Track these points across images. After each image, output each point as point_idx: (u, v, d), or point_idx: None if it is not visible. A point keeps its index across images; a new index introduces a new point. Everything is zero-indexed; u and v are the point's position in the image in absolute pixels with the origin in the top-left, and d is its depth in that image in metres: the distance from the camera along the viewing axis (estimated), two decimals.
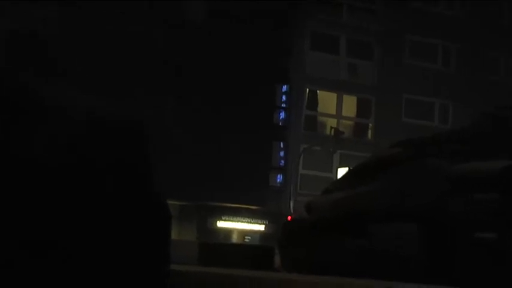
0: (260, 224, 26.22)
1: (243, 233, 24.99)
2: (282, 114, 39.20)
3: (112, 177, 1.46)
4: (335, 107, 40.83)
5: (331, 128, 39.25)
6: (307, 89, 39.58)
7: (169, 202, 1.58)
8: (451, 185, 1.72)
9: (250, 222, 26.02)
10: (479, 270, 1.90)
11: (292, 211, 28.89)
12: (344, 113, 40.60)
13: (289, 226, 1.90)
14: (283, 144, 38.81)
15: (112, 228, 1.44)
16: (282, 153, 38.88)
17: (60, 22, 1.63)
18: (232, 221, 24.99)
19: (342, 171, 30.59)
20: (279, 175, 39.04)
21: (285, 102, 39.17)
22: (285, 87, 38.78)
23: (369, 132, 40.38)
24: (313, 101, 40.02)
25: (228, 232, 23.96)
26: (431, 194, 1.75)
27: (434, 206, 1.72)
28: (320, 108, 40.30)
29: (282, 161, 38.86)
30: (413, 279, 1.57)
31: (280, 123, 39.01)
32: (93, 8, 29.48)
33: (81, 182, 1.45)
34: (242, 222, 25.60)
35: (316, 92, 39.84)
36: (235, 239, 24.35)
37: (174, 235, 1.54)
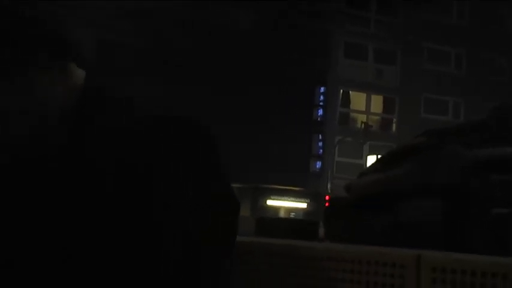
0: (303, 202, 26.35)
1: (289, 210, 25.19)
2: (320, 111, 39.99)
3: (192, 170, 1.45)
4: (364, 105, 41.56)
5: (362, 122, 39.60)
6: (341, 90, 40.11)
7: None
8: (469, 167, 1.71)
9: (295, 201, 26.15)
10: (495, 240, 1.87)
11: (329, 191, 29.23)
12: (372, 110, 41.17)
13: (333, 203, 1.90)
14: (321, 136, 39.54)
15: (199, 212, 1.42)
16: (320, 144, 39.73)
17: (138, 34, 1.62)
18: (279, 200, 25.19)
19: (370, 159, 31.31)
20: (318, 162, 40.07)
21: (322, 101, 39.90)
22: (322, 89, 39.65)
23: (393, 125, 40.76)
24: (346, 100, 40.65)
25: (276, 209, 24.20)
26: (452, 176, 1.74)
27: (455, 185, 1.71)
28: (352, 106, 40.90)
29: (320, 150, 39.80)
30: (436, 248, 1.55)
31: (318, 119, 39.79)
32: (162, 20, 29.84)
33: (168, 175, 1.43)
34: (288, 201, 25.77)
35: (349, 92, 40.46)
36: (282, 214, 24.45)
37: None
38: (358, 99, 40.99)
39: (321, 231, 2.11)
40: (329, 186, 32.51)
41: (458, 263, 1.41)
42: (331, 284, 1.64)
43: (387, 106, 41.23)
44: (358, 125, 40.01)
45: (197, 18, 31.66)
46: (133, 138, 1.45)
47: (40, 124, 1.48)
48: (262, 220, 2.10)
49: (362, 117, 40.65)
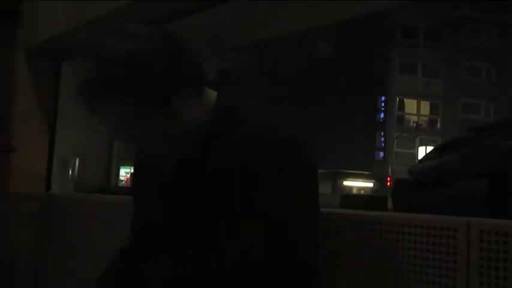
0: (370, 182, 27.00)
1: (360, 188, 25.66)
2: (382, 115, 41.26)
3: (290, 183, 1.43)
4: (415, 109, 41.53)
5: (413, 122, 40.03)
6: (397, 98, 40.55)
7: None
8: (506, 155, 1.69)
9: (364, 182, 26.73)
10: None
11: (390, 174, 30.13)
12: (421, 112, 41.49)
13: (399, 182, 1.88)
14: (383, 133, 41.06)
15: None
16: (382, 139, 41.06)
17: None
18: (352, 181, 25.64)
19: (420, 149, 32.45)
20: (380, 152, 41.32)
21: (383, 107, 41.12)
22: (383, 98, 40.77)
23: (438, 124, 40.70)
24: (401, 105, 41.12)
25: (350, 188, 24.57)
26: (492, 162, 1.71)
27: (496, 170, 1.69)
28: (406, 110, 41.26)
29: (383, 144, 41.25)
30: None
31: (381, 120, 41.35)
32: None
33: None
34: (359, 182, 26.25)
35: (403, 99, 40.94)
36: (355, 192, 24.97)
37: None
38: (410, 105, 41.20)
39: (389, 204, 2.13)
40: (389, 170, 32.93)
41: (501, 227, 1.40)
42: (399, 244, 1.62)
43: (433, 109, 41.27)
44: (411, 124, 40.17)
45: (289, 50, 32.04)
46: (247, 152, 1.41)
47: (181, 138, 1.49)
48: (346, 196, 2.11)
49: (414, 118, 40.82)
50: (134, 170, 1.78)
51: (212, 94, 1.53)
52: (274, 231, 1.40)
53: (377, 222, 1.69)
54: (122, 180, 5.84)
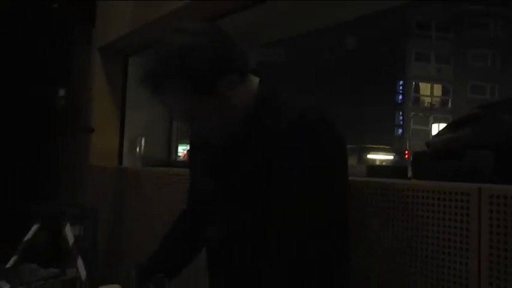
0: (390, 155, 26.77)
1: (381, 161, 25.45)
2: (400, 97, 41.07)
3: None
4: (429, 91, 41.18)
5: (427, 102, 40.38)
6: (413, 82, 40.28)
7: None
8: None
9: (385, 155, 26.55)
10: None
11: (407, 148, 30.14)
12: (434, 94, 41.01)
13: (418, 154, 1.86)
14: (402, 113, 40.91)
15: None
16: (401, 117, 40.82)
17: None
18: (375, 154, 25.45)
19: (434, 126, 32.82)
20: (399, 129, 41.09)
21: (402, 90, 40.93)
22: (401, 82, 40.62)
23: (449, 103, 40.39)
24: (417, 88, 40.91)
25: (374, 161, 24.40)
26: (499, 135, 1.69)
27: (502, 142, 1.66)
28: (421, 92, 41.06)
29: (401, 121, 41.27)
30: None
31: (399, 102, 41.16)
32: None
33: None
34: (380, 155, 26.06)
35: (419, 83, 40.78)
36: (377, 163, 25.00)
37: None
38: (424, 88, 40.96)
39: (409, 173, 2.12)
40: (407, 145, 32.98)
41: (508, 191, 1.40)
42: (419, 207, 1.62)
43: (444, 91, 40.95)
44: (425, 104, 40.27)
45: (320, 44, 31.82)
46: (286, 130, 1.40)
47: (229, 119, 1.49)
48: (371, 166, 2.08)
49: (428, 99, 40.84)
50: (189, 147, 1.78)
51: (255, 81, 1.53)
52: (312, 196, 1.40)
53: (399, 189, 1.69)
54: (180, 156, 5.85)
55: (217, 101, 1.43)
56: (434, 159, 1.79)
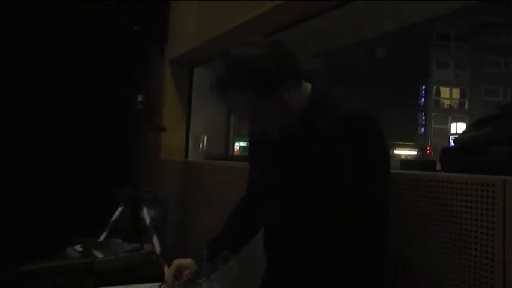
0: (414, 151, 26.35)
1: (406, 155, 25.08)
2: (423, 99, 40.38)
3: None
4: (448, 94, 40.14)
5: (447, 104, 39.45)
6: (434, 86, 39.56)
7: None
8: None
9: (410, 150, 26.16)
10: None
11: (429, 145, 29.77)
12: (453, 97, 40.00)
13: (446, 150, 1.82)
14: (424, 113, 40.22)
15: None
16: (423, 117, 40.20)
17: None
18: (401, 150, 25.09)
19: (453, 125, 32.77)
20: (422, 128, 40.17)
21: (424, 93, 40.42)
22: (424, 87, 40.11)
23: (466, 105, 39.40)
24: (438, 92, 40.20)
25: (399, 155, 24.04)
26: None
27: None
28: (441, 95, 40.30)
29: (424, 121, 40.60)
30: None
31: (422, 104, 40.51)
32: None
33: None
34: (405, 150, 25.66)
35: (439, 87, 40.04)
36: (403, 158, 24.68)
37: None
38: (444, 91, 40.00)
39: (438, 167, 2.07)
40: (429, 141, 32.44)
41: None
42: (448, 196, 1.59)
43: (462, 94, 39.91)
44: (445, 106, 39.41)
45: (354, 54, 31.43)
46: (337, 127, 1.40)
47: (286, 118, 1.50)
48: (405, 161, 2.06)
49: (447, 101, 39.85)
50: (250, 142, 1.79)
51: (307, 86, 1.54)
52: (361, 183, 1.40)
53: (430, 180, 1.66)
54: (235, 151, 5.87)
55: (276, 103, 1.44)
56: (461, 154, 1.76)
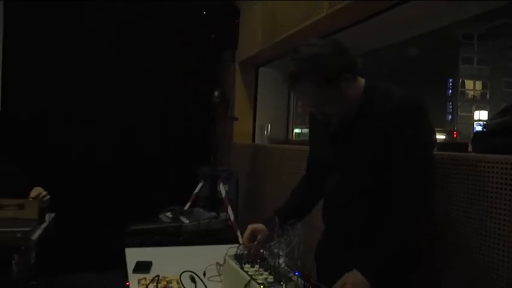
0: (442, 135, 25.53)
1: (437, 139, 24.34)
2: (450, 91, 39.20)
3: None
4: (472, 86, 38.76)
5: (471, 94, 38.18)
6: (460, 80, 38.27)
7: None
8: None
9: (439, 135, 25.29)
10: None
11: (455, 130, 29.14)
12: (476, 88, 38.46)
13: (478, 134, 1.72)
14: (451, 103, 39.07)
15: None
16: (451, 106, 39.24)
17: None
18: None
19: (476, 113, 32.07)
20: (449, 115, 38.87)
21: (451, 86, 39.41)
22: (451, 80, 38.87)
23: (487, 95, 37.93)
24: (463, 84, 38.98)
25: None
26: None
27: None
28: (466, 87, 38.90)
29: (451, 110, 39.33)
30: None
31: (449, 94, 39.44)
32: None
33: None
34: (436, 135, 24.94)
35: (464, 80, 38.65)
36: None
37: None
38: (469, 84, 38.63)
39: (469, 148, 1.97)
40: (455, 127, 31.42)
41: None
42: (479, 176, 1.52)
43: (484, 85, 38.29)
44: (469, 96, 38.07)
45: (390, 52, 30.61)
46: (390, 113, 1.38)
47: (344, 107, 1.48)
48: (441, 143, 1.98)
49: (471, 92, 38.55)
50: (311, 126, 1.75)
51: (361, 79, 1.51)
52: (413, 166, 1.38)
53: (463, 159, 1.61)
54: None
55: (336, 93, 1.43)
56: (490, 137, 1.66)
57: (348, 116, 1.49)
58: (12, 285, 2.53)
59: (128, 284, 1.62)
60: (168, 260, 1.87)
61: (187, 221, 2.31)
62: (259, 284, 1.19)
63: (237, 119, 3.99)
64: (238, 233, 2.62)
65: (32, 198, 2.61)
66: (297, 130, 4.16)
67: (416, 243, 1.46)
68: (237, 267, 1.33)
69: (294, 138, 5.22)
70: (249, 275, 1.25)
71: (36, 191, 2.67)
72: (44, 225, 2.60)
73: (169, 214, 2.46)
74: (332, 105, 1.46)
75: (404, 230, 1.37)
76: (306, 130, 4.12)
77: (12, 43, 3.89)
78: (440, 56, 35.76)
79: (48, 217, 2.74)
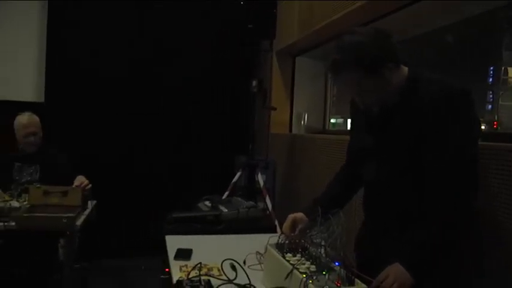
0: (482, 125, 24.51)
1: None
2: (491, 79, 36.85)
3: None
4: None
5: None
6: (502, 67, 36.21)
7: None
8: None
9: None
10: None
11: (496, 120, 27.70)
12: None
13: None
14: (491, 92, 36.87)
15: None
16: (491, 95, 36.65)
17: None
18: None
19: None
20: (489, 105, 37.05)
21: (492, 74, 37.02)
22: (492, 67, 36.62)
23: None
24: (505, 72, 36.77)
25: None
26: None
27: None
28: (509, 75, 36.76)
29: (491, 99, 36.90)
30: None
31: (490, 83, 37.29)
32: None
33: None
34: None
35: (507, 68, 36.44)
36: None
37: None
38: (510, 71, 36.63)
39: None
40: (496, 117, 30.18)
41: None
42: None
43: None
44: (511, 85, 35.89)
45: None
46: (434, 101, 1.35)
47: (387, 95, 1.45)
48: (485, 133, 1.91)
49: None
50: (351, 114, 1.74)
51: (404, 68, 1.47)
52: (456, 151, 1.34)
53: (505, 150, 1.56)
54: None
55: (380, 81, 1.40)
56: None
57: (390, 104, 1.46)
58: (58, 267, 2.63)
59: (167, 270, 1.64)
60: (207, 247, 1.88)
61: (226, 210, 2.31)
62: (301, 273, 1.17)
63: (275, 108, 3.97)
64: (276, 222, 2.61)
65: (76, 186, 2.70)
66: (332, 120, 4.09)
67: (458, 235, 1.41)
68: (279, 256, 1.32)
69: (329, 128, 5.18)
70: (291, 264, 1.24)
71: (79, 179, 2.77)
72: (86, 211, 2.68)
73: (207, 203, 2.48)
74: (374, 93, 1.43)
75: (447, 221, 1.33)
76: (340, 120, 4.07)
77: (56, 38, 4.00)
78: (481, 43, 34.47)
79: (90, 204, 2.83)
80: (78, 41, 4.07)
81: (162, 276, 1.68)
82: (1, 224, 2.30)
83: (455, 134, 1.32)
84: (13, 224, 2.30)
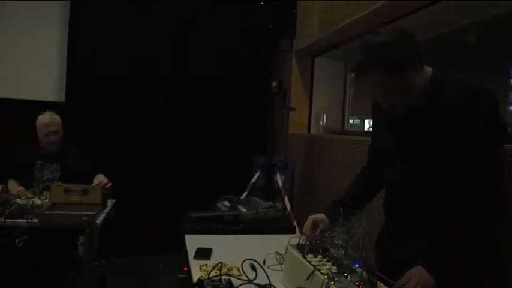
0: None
1: None
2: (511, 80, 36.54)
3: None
4: None
5: None
6: None
7: None
8: None
9: None
10: None
11: None
12: None
13: None
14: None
15: None
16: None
17: None
18: None
19: None
20: (510, 107, 36.46)
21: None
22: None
23: None
24: None
25: None
26: None
27: None
28: None
29: (511, 98, 36.81)
30: None
31: (510, 83, 36.92)
32: None
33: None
34: None
35: None
36: None
37: None
38: None
39: None
40: None
41: None
42: None
43: None
44: None
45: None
46: (457, 101, 1.32)
47: (411, 96, 1.43)
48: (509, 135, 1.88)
49: None
50: (373, 115, 1.71)
51: (428, 68, 1.45)
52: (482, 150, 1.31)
53: None
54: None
55: (404, 81, 1.38)
56: None
57: (413, 105, 1.43)
58: (78, 264, 2.66)
59: (185, 269, 1.64)
60: (227, 247, 1.87)
61: (245, 210, 2.31)
62: (323, 274, 1.16)
63: (294, 109, 3.96)
64: (295, 223, 2.59)
65: (95, 185, 2.72)
66: (350, 121, 4.06)
67: (483, 239, 1.37)
68: (300, 257, 1.31)
69: (347, 129, 5.14)
70: (312, 265, 1.22)
71: (99, 178, 2.80)
72: (106, 210, 2.71)
73: (226, 203, 2.48)
74: (398, 94, 1.41)
75: (471, 225, 1.29)
76: (357, 121, 4.04)
77: (77, 39, 4.05)
78: (501, 43, 33.76)
79: (110, 203, 2.86)
80: (99, 42, 4.11)
81: (181, 276, 1.68)
82: (24, 220, 2.32)
83: (482, 137, 1.29)
84: (36, 221, 2.33)
